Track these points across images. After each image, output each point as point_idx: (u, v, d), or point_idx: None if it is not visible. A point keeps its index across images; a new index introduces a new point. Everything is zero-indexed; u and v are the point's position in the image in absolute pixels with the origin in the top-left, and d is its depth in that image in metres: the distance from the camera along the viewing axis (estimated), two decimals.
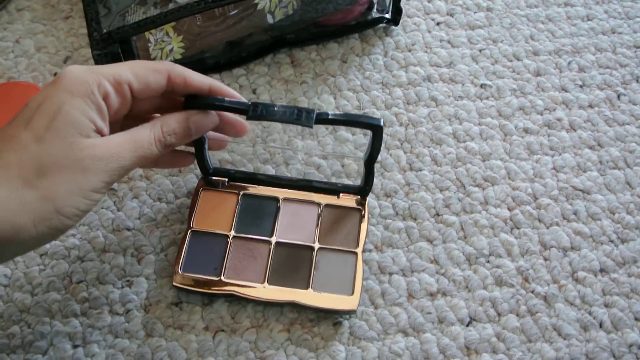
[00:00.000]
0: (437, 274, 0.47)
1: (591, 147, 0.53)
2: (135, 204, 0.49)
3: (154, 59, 0.53)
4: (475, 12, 0.61)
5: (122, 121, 0.40)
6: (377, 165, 0.51)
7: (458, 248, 0.48)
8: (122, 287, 0.46)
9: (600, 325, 0.45)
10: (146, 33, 0.51)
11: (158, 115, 0.42)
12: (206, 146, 0.45)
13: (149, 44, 0.53)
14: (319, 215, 0.48)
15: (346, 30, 0.58)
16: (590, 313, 0.45)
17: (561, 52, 0.59)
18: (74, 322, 0.44)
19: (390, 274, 0.47)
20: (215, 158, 0.51)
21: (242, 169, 0.51)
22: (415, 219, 0.49)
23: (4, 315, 0.44)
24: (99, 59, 0.49)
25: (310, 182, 0.49)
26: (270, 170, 0.51)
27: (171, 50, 0.53)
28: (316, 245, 0.46)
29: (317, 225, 0.47)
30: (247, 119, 0.40)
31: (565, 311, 0.45)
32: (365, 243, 0.47)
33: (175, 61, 0.53)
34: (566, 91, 0.56)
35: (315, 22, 0.56)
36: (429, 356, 0.43)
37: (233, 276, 0.44)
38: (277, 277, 0.45)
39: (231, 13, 0.53)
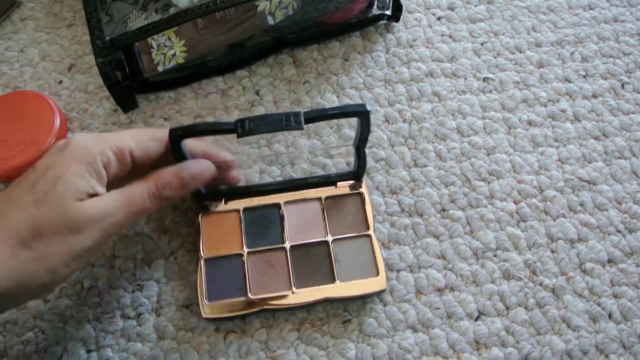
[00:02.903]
0: (445, 270, 0.47)
1: (596, 138, 0.53)
2: None
3: (157, 64, 0.53)
4: (476, 5, 0.61)
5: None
6: (381, 163, 0.52)
7: (465, 243, 0.48)
8: (133, 291, 0.46)
9: (610, 316, 0.45)
10: (148, 39, 0.52)
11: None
12: None
13: (152, 50, 0.53)
14: (322, 209, 0.48)
15: (347, 28, 0.58)
16: (599, 304, 0.45)
17: (563, 42, 0.59)
18: (87, 327, 0.45)
19: (398, 270, 0.47)
20: (220, 160, 0.51)
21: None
22: (421, 215, 0.49)
23: (19, 322, 0.45)
24: (103, 66, 0.50)
25: (305, 180, 0.49)
26: (275, 171, 0.51)
27: (173, 55, 0.53)
28: (329, 239, 0.47)
29: (324, 219, 0.48)
30: (238, 136, 0.40)
31: (573, 303, 0.45)
32: (374, 222, 0.48)
33: (178, 65, 0.54)
34: (570, 82, 0.56)
35: (316, 21, 0.56)
36: (439, 351, 0.44)
37: (259, 291, 0.44)
38: (302, 279, 0.45)
39: (231, 16, 0.53)
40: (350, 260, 0.46)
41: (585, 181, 0.51)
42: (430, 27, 0.60)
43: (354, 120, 0.52)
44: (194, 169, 0.42)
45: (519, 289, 0.46)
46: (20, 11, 0.62)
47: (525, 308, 0.45)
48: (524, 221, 0.49)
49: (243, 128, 0.40)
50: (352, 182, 0.49)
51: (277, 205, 0.48)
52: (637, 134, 0.53)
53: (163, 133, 0.42)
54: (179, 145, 0.42)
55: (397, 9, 0.59)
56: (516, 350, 0.43)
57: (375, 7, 0.59)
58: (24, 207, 0.35)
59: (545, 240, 0.48)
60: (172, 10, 0.50)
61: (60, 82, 0.57)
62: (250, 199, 0.49)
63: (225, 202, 0.49)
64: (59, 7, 0.62)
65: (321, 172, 0.51)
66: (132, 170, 0.41)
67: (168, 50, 0.53)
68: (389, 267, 0.47)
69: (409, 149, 0.53)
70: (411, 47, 0.58)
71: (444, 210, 0.49)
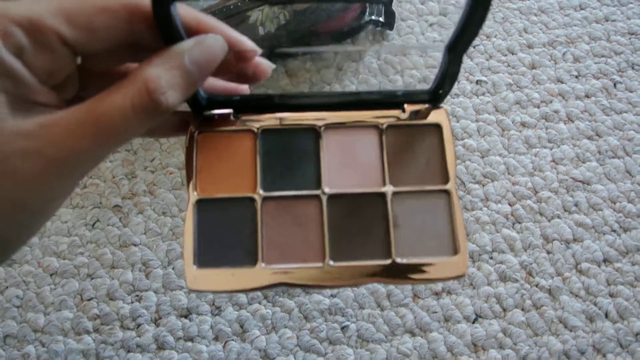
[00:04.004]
0: None
1: (589, 138, 0.53)
2: (140, 219, 0.50)
3: None
4: None
5: (83, 77, 0.28)
6: None
7: None
8: (132, 302, 0.47)
9: (606, 316, 0.45)
10: None
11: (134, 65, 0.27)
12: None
13: None
14: (381, 143, 0.32)
15: (340, 36, 0.59)
16: (595, 304, 0.45)
17: (555, 43, 0.59)
18: (87, 338, 0.45)
19: None
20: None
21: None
22: None
23: (18, 336, 0.45)
24: None
25: (359, 95, 0.33)
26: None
27: None
28: (388, 190, 0.31)
29: (382, 159, 0.32)
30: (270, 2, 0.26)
31: (570, 303, 0.45)
32: (455, 174, 0.33)
33: None
34: (562, 82, 0.57)
35: (308, 31, 0.57)
36: (437, 355, 0.44)
37: (277, 259, 0.30)
38: (342, 248, 0.30)
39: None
40: (417, 227, 0.31)
41: (580, 181, 0.51)
42: (423, 34, 0.60)
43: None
44: (200, 51, 0.26)
45: (516, 290, 0.46)
46: None
47: (522, 309, 0.45)
48: (519, 223, 0.49)
49: None
50: (427, 106, 0.33)
51: (314, 130, 0.33)
52: (630, 133, 0.53)
53: None
54: (169, 11, 0.25)
55: (390, 17, 0.59)
56: (514, 351, 0.44)
57: (367, 14, 0.59)
58: None
59: (540, 242, 0.48)
60: None
61: None
62: (273, 115, 0.33)
63: (235, 117, 0.32)
64: None
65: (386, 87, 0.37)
66: (84, 68, 0.27)
67: None
68: None
69: None
70: (404, 54, 0.59)
71: None
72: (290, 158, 0.32)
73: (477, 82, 0.57)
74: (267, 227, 0.31)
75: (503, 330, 0.45)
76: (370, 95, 0.33)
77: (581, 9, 0.62)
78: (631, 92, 0.56)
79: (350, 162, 0.32)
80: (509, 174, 0.52)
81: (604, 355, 0.43)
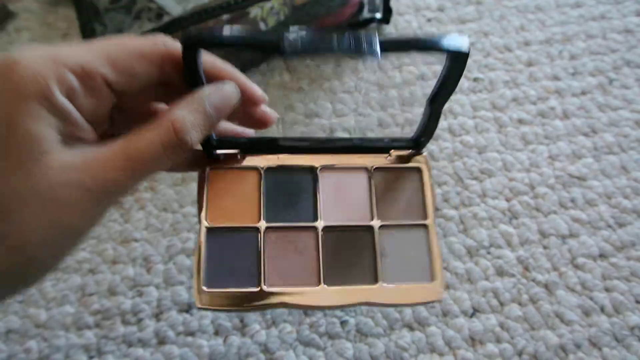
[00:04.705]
0: None
1: (585, 134, 0.54)
2: (142, 215, 0.51)
3: None
4: (465, 7, 0.62)
5: (113, 114, 0.31)
6: None
7: (459, 241, 0.49)
8: (133, 297, 0.47)
9: (602, 310, 0.46)
10: None
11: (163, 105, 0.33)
12: None
13: None
14: (370, 184, 0.37)
15: None
16: (591, 298, 0.46)
17: (552, 41, 0.60)
18: (88, 333, 0.45)
19: None
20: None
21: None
22: None
23: (20, 331, 0.46)
24: None
25: (351, 141, 0.38)
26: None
27: None
28: (376, 223, 0.36)
29: (370, 197, 0.37)
30: (282, 53, 0.28)
31: (566, 298, 0.46)
32: (435, 211, 0.37)
33: None
34: (558, 80, 0.57)
35: (307, 26, 0.57)
36: (435, 349, 0.44)
37: (277, 282, 0.34)
38: (335, 273, 0.34)
39: (223, 23, 0.54)
40: (400, 256, 0.35)
41: (576, 177, 0.52)
42: (421, 29, 0.61)
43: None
44: (218, 97, 0.30)
45: (513, 285, 0.47)
46: (15, 22, 0.63)
47: (519, 304, 0.46)
48: (516, 218, 0.50)
49: (291, 44, 0.28)
50: (410, 151, 0.38)
51: (311, 170, 0.37)
52: (626, 130, 0.54)
53: (152, 45, 0.29)
54: (196, 59, 0.29)
55: (388, 12, 0.59)
56: (511, 345, 0.44)
57: (365, 10, 0.60)
58: None
59: (537, 237, 0.49)
60: (165, 19, 0.51)
61: None
62: (276, 156, 0.37)
63: (242, 156, 0.37)
64: (53, 17, 0.63)
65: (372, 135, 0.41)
66: (117, 106, 0.30)
67: None
68: None
69: None
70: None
71: (437, 209, 0.50)
72: (290, 194, 0.36)
73: (475, 79, 0.57)
74: (269, 254, 0.34)
75: (500, 325, 0.45)
76: (361, 142, 0.37)
77: (577, 6, 0.62)
78: (627, 89, 0.56)
79: (342, 198, 0.36)
80: (506, 170, 0.52)
81: (600, 349, 0.44)
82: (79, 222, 0.27)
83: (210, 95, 0.30)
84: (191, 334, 0.45)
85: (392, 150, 0.37)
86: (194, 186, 0.52)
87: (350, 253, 0.35)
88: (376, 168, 0.37)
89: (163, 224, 0.50)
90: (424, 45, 0.30)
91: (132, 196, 0.51)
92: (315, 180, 0.37)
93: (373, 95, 0.56)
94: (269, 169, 0.37)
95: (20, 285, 0.28)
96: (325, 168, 0.37)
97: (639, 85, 0.57)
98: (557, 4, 0.62)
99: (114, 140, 0.28)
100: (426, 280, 0.34)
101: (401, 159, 0.37)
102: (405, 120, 0.55)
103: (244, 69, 0.57)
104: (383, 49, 0.28)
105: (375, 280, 0.34)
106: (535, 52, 0.59)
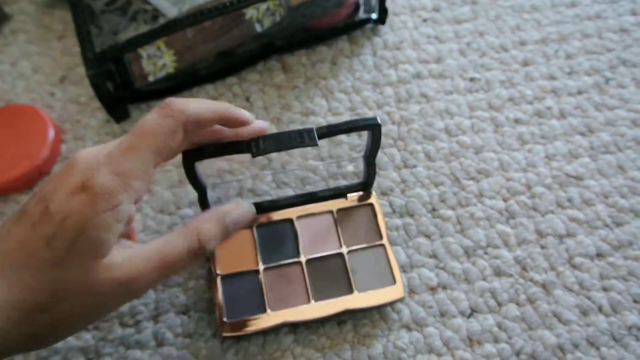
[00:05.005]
0: (437, 269, 0.48)
1: (582, 134, 0.54)
2: (139, 217, 0.51)
3: (147, 74, 0.54)
4: (460, 6, 0.62)
5: None
6: None
7: (456, 241, 0.49)
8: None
9: (600, 309, 0.46)
10: (138, 49, 0.52)
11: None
12: (209, 193, 0.46)
13: (142, 59, 0.54)
14: (335, 222, 0.48)
15: (334, 32, 0.59)
16: (589, 298, 0.46)
17: (547, 40, 0.60)
18: (86, 336, 0.45)
19: None
20: (213, 167, 0.52)
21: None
22: (412, 216, 0.50)
23: None
24: (94, 78, 0.51)
25: (315, 194, 0.50)
26: (268, 176, 0.52)
27: (164, 65, 0.54)
28: (344, 250, 0.47)
29: (337, 231, 0.48)
30: (253, 156, 0.39)
31: (564, 297, 0.46)
32: (387, 232, 0.48)
33: (169, 74, 0.54)
34: (554, 79, 0.57)
35: (303, 27, 0.57)
36: (433, 349, 0.44)
37: (278, 306, 0.44)
38: (320, 291, 0.45)
39: (219, 24, 0.54)
40: (367, 270, 0.46)
41: (573, 177, 0.52)
42: (417, 29, 0.61)
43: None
44: (237, 214, 0.40)
45: (510, 285, 0.47)
46: (11, 24, 0.63)
47: (517, 304, 0.46)
48: (513, 218, 0.50)
49: (257, 147, 0.39)
50: (361, 193, 0.50)
51: (290, 221, 0.49)
52: (622, 129, 0.54)
53: (176, 122, 0.36)
54: (194, 168, 0.41)
55: (383, 12, 0.59)
56: (509, 345, 0.44)
57: (361, 11, 0.60)
58: (43, 267, 0.31)
59: (534, 237, 0.49)
60: (161, 21, 0.51)
61: (53, 94, 0.58)
62: (261, 215, 0.49)
63: None
64: (49, 19, 0.63)
65: (331, 185, 0.52)
66: None
67: (158, 60, 0.54)
68: None
69: (398, 150, 0.53)
70: (398, 49, 0.59)
71: (434, 210, 0.50)
72: (277, 240, 0.48)
73: (471, 79, 0.57)
74: (269, 287, 0.46)
75: (498, 325, 0.45)
76: (323, 193, 0.50)
77: (573, 6, 0.62)
78: (623, 88, 0.56)
79: (317, 236, 0.48)
80: (502, 170, 0.52)
81: (598, 349, 0.44)
82: (108, 311, 0.34)
83: (230, 212, 0.39)
84: (189, 335, 0.45)
85: (349, 194, 0.49)
86: (189, 188, 0.52)
87: (328, 275, 0.46)
88: (338, 209, 0.49)
89: (160, 225, 0.50)
90: (349, 129, 0.42)
91: None
92: (294, 227, 0.48)
93: (367, 94, 0.56)
94: (259, 226, 0.48)
95: (37, 347, 0.35)
96: (300, 217, 0.49)
97: (635, 84, 0.57)
98: (553, 3, 0.63)
99: (149, 244, 0.35)
100: (390, 284, 0.45)
101: (357, 199, 0.49)
102: (401, 118, 0.55)
103: (241, 68, 0.57)
104: (319, 137, 0.40)
105: (351, 291, 0.45)
106: (531, 51, 0.59)
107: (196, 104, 0.37)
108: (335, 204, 0.49)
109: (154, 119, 0.35)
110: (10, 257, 0.32)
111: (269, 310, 0.44)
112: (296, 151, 0.53)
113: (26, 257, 0.32)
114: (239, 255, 0.47)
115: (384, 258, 0.47)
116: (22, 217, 0.33)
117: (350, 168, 0.52)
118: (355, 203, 0.49)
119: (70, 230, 0.31)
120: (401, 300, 0.45)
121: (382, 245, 0.47)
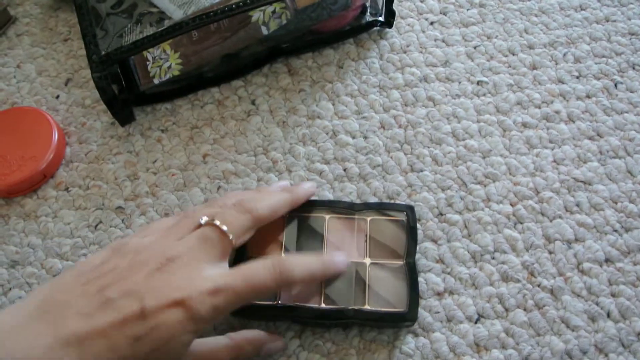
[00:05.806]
0: (444, 273, 0.47)
1: (590, 138, 0.53)
2: (143, 220, 0.50)
3: (152, 77, 0.54)
4: (468, 9, 0.62)
5: None
6: (378, 169, 0.52)
7: (463, 246, 0.48)
8: None
9: (608, 315, 0.45)
10: (144, 52, 0.52)
11: None
12: None
13: (147, 62, 0.53)
14: (366, 231, 0.47)
15: (341, 35, 0.59)
16: (597, 304, 0.46)
17: (556, 43, 0.59)
18: None
19: None
20: (219, 169, 0.52)
21: None
22: (419, 220, 0.50)
23: None
24: (99, 81, 0.50)
25: (353, 206, 0.48)
26: (273, 178, 0.52)
27: (169, 67, 0.54)
28: (367, 261, 0.46)
29: (366, 241, 0.47)
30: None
31: (572, 303, 0.46)
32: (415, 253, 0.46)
33: (174, 77, 0.54)
34: (563, 83, 0.57)
35: (309, 30, 0.57)
36: (440, 355, 0.44)
37: (289, 299, 0.44)
38: (333, 295, 0.44)
39: (225, 27, 0.54)
40: (384, 287, 0.44)
41: (581, 181, 0.51)
42: (424, 32, 0.60)
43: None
44: (275, 346, 0.44)
45: (518, 290, 0.46)
46: (16, 27, 0.63)
47: (524, 309, 0.45)
48: (521, 223, 0.49)
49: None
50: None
51: (322, 219, 0.48)
52: (631, 133, 0.53)
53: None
54: None
55: (390, 15, 0.59)
56: (516, 351, 0.44)
57: (368, 14, 0.59)
58: None
59: (542, 242, 0.48)
60: (166, 23, 0.51)
61: (58, 96, 0.57)
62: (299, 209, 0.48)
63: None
64: (54, 21, 0.63)
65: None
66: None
67: (163, 63, 0.53)
68: None
69: (405, 154, 0.53)
70: (405, 52, 0.59)
71: (441, 214, 0.50)
72: (305, 235, 0.47)
73: (478, 82, 0.57)
74: None
75: (505, 331, 0.45)
76: (360, 207, 0.48)
77: (582, 9, 0.62)
78: (632, 92, 0.56)
79: (344, 240, 0.47)
80: (510, 174, 0.52)
81: (606, 355, 0.43)
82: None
83: (269, 345, 0.43)
84: None
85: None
86: (195, 191, 0.51)
87: (345, 282, 0.45)
88: (372, 219, 0.47)
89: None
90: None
91: (133, 201, 0.51)
92: (324, 226, 0.47)
93: (374, 97, 0.56)
94: (291, 217, 0.47)
95: None
96: (333, 217, 0.48)
97: None
98: (561, 6, 0.62)
99: (221, 340, 0.41)
100: (402, 308, 0.43)
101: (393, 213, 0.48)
102: (408, 122, 0.54)
103: (247, 71, 0.57)
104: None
105: (363, 304, 0.44)
106: (539, 55, 0.58)
107: (303, 270, 0.41)
108: (371, 214, 0.48)
109: (264, 278, 0.39)
110: (91, 343, 0.33)
111: (279, 301, 0.44)
112: (302, 153, 0.53)
113: (110, 349, 0.33)
114: (268, 241, 0.47)
115: (404, 280, 0.45)
116: (109, 304, 0.34)
117: (355, 169, 0.52)
118: (392, 217, 0.48)
119: (156, 340, 0.34)
120: (411, 325, 0.45)
121: (407, 265, 0.45)
